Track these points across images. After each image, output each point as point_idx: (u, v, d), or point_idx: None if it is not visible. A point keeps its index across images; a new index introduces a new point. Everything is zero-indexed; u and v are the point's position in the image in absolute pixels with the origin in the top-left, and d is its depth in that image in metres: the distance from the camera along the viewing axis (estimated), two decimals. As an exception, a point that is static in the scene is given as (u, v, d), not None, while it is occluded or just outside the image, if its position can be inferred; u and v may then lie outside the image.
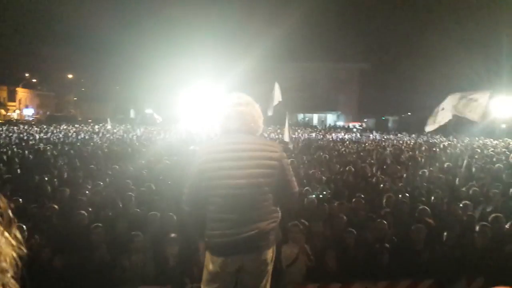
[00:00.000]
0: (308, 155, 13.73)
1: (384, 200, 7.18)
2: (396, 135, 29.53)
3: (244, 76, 51.02)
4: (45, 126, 29.14)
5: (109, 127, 27.47)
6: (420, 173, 10.26)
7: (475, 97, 8.24)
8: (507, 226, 5.44)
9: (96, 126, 29.44)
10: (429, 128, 9.67)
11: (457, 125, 9.03)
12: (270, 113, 11.81)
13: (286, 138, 11.81)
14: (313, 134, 28.59)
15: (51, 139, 19.32)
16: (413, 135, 26.45)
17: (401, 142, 22.81)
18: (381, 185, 8.72)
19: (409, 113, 52.36)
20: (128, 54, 50.52)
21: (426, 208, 6.36)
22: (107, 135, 21.17)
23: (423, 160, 13.24)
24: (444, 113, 8.99)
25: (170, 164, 10.50)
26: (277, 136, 21.47)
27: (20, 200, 6.37)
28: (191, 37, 54.32)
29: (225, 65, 52.80)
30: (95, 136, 20.67)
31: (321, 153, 14.13)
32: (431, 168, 11.01)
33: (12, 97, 59.27)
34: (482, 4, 49.62)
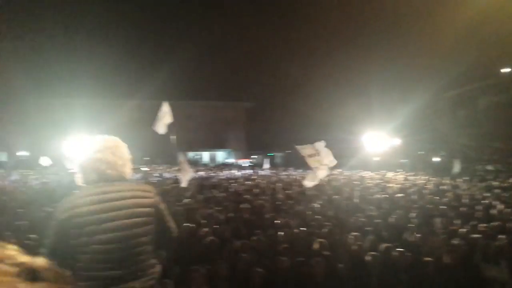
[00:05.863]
0: (202, 194, 13.57)
1: (282, 236, 7.36)
2: (284, 170, 30.79)
3: (131, 115, 49.61)
4: None
5: None
6: (310, 206, 10.78)
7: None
8: (396, 254, 5.93)
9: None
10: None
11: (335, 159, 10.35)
12: (162, 131, 11.62)
13: (185, 178, 11.54)
14: (205, 172, 28.50)
15: None
16: (300, 170, 27.75)
17: (289, 177, 23.77)
18: (277, 221, 8.93)
19: (291, 150, 55.38)
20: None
21: (323, 240, 6.65)
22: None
23: (311, 193, 13.93)
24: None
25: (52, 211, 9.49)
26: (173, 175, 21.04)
27: None
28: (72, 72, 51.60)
29: (110, 103, 50.89)
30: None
31: (216, 191, 14.08)
32: (319, 202, 11.63)
33: None
34: (354, 48, 55.81)
